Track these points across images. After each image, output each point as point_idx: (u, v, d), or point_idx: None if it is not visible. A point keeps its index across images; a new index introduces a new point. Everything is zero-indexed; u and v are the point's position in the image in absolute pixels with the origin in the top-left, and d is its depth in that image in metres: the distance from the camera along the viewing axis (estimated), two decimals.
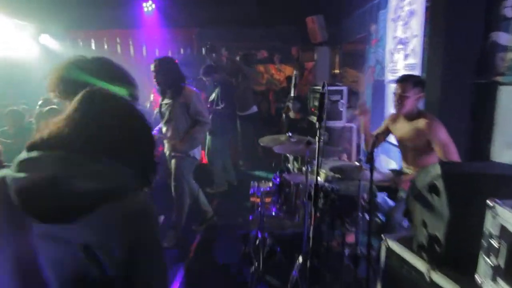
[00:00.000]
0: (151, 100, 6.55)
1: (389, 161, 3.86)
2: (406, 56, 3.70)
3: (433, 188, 1.46)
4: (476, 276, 1.14)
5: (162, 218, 3.26)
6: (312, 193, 1.67)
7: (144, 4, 5.59)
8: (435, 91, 2.74)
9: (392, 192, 2.69)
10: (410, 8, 3.57)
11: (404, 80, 2.43)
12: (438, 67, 2.81)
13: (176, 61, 3.21)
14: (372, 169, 1.82)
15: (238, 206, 4.04)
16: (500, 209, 1.04)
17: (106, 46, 7.67)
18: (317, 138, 1.72)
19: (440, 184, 1.42)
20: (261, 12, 6.39)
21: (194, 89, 3.17)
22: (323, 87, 1.71)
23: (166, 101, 3.10)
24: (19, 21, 6.37)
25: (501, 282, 1.04)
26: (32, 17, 6.49)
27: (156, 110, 5.71)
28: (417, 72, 3.32)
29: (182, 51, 7.47)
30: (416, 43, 3.46)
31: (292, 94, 2.92)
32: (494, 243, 1.05)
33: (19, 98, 5.97)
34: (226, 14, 6.45)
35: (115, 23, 6.70)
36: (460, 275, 1.32)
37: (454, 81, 2.68)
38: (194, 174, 3.28)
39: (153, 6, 5.62)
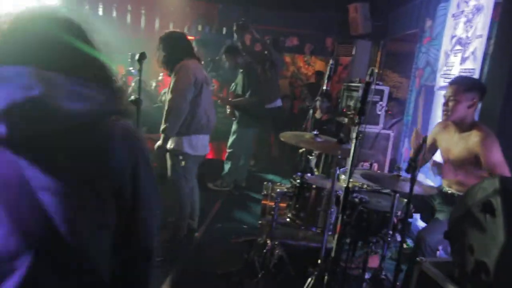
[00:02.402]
0: (158, 79, 6.61)
1: (425, 179, 3.81)
2: (463, 60, 3.64)
3: (487, 207, 1.43)
4: None
5: None
6: (341, 197, 1.65)
7: None
8: (497, 101, 2.69)
9: (427, 213, 2.65)
10: (477, 3, 3.51)
11: (457, 82, 2.40)
12: (503, 74, 2.75)
13: (193, 38, 3.13)
14: (413, 179, 1.79)
15: (244, 210, 4.04)
16: None
17: (114, 14, 7.80)
18: (354, 134, 1.71)
19: (497, 202, 1.38)
20: None
21: (195, 65, 2.90)
22: (370, 75, 1.69)
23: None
24: None
25: None
26: None
27: (162, 92, 5.79)
28: (475, 77, 3.26)
29: (200, 28, 7.53)
30: (478, 45, 3.40)
31: (324, 87, 2.88)
32: None
33: None
34: None
35: None
36: None
37: None
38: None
39: None
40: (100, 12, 7.74)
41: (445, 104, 2.36)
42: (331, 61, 2.85)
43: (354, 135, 1.69)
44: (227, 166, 4.66)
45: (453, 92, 2.32)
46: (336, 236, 1.77)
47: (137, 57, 2.42)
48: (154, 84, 6.54)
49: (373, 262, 2.60)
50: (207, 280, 2.75)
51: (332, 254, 1.78)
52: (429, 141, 2.70)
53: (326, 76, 2.87)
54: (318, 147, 2.30)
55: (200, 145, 3.02)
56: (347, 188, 1.64)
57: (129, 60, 4.04)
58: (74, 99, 0.70)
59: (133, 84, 5.26)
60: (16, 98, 0.65)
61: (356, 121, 1.74)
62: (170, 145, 2.90)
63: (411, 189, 1.79)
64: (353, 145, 1.67)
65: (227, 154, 4.70)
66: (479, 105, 2.54)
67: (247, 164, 4.85)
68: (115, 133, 0.79)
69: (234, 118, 4.69)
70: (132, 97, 2.51)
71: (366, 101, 1.72)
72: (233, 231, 3.45)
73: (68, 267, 0.69)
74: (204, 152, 3.15)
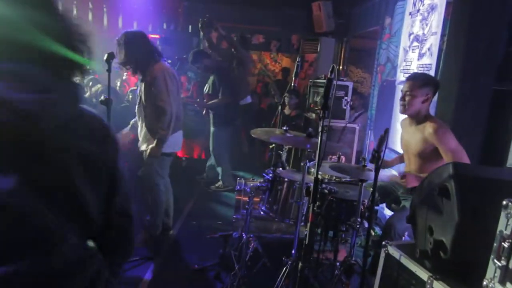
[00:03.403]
0: (123, 79, 6.48)
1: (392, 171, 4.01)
2: (421, 55, 3.86)
3: (443, 191, 1.56)
4: (484, 281, 1.24)
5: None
6: (311, 188, 1.75)
7: None
8: (451, 94, 2.88)
9: (392, 201, 2.81)
10: (431, 2, 3.73)
11: (412, 78, 2.56)
12: (455, 69, 2.95)
13: (158, 36, 3.15)
14: (377, 169, 1.91)
15: (218, 206, 4.10)
16: None
17: (75, 11, 7.57)
18: (320, 128, 1.81)
19: (451, 186, 1.52)
20: None
21: (168, 66, 2.97)
22: (331, 72, 1.79)
23: (139, 84, 3.04)
24: None
25: (510, 286, 1.15)
26: None
27: (129, 91, 5.70)
28: (431, 73, 3.47)
29: (165, 26, 7.46)
30: (433, 42, 3.61)
31: (292, 84, 2.99)
32: (506, 244, 1.15)
33: None
34: None
35: None
36: (464, 284, 1.42)
37: (472, 85, 2.83)
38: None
39: None
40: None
41: (402, 98, 2.52)
42: (298, 58, 2.96)
43: (320, 129, 1.78)
44: (219, 169, 4.71)
45: (409, 87, 2.49)
46: (308, 225, 1.86)
47: (105, 57, 2.41)
48: (118, 83, 6.42)
49: (344, 250, 2.74)
50: (185, 275, 2.80)
51: (306, 242, 1.87)
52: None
53: (294, 73, 2.99)
54: (288, 142, 2.39)
55: (176, 142, 3.10)
56: (316, 178, 1.74)
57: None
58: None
59: (99, 85, 5.16)
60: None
61: (321, 115, 1.85)
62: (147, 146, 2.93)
63: (376, 177, 1.91)
64: (319, 138, 1.77)
65: (214, 159, 4.74)
66: (435, 99, 2.74)
67: (227, 163, 4.88)
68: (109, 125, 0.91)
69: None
70: (102, 97, 2.51)
71: (329, 97, 1.82)
72: (208, 227, 3.50)
73: (74, 213, 0.81)
74: (178, 149, 3.23)
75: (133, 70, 2.89)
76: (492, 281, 1.20)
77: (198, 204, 4.28)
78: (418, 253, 1.66)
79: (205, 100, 4.67)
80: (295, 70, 2.96)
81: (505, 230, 1.17)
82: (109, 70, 2.42)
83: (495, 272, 1.19)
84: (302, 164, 2.29)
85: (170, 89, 2.83)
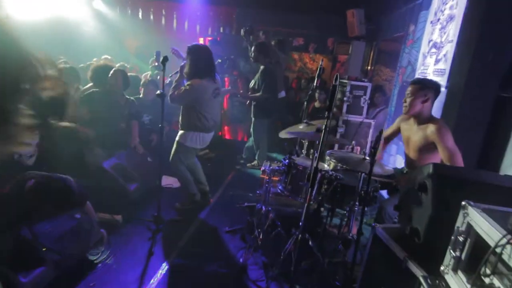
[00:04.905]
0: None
1: (402, 161, 3.86)
2: (437, 61, 3.61)
3: (423, 186, 1.53)
4: (441, 267, 1.22)
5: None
6: (311, 175, 1.78)
7: None
8: (457, 96, 2.71)
9: (392, 189, 2.74)
10: (450, 12, 3.45)
11: (414, 82, 2.46)
12: (463, 74, 2.75)
13: (211, 38, 3.20)
14: (372, 163, 1.89)
15: (251, 181, 4.22)
16: (470, 210, 1.11)
17: (152, 17, 7.90)
18: (323, 127, 1.81)
19: (429, 183, 1.48)
20: None
21: (203, 84, 3.01)
22: (335, 79, 1.78)
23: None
24: None
25: (460, 273, 1.13)
26: None
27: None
28: (445, 77, 3.25)
29: (221, 29, 7.56)
30: (449, 49, 3.36)
31: (315, 84, 2.96)
32: (461, 238, 1.13)
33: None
34: None
35: None
36: (430, 266, 1.40)
37: (477, 90, 2.63)
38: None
39: None
40: (140, 16, 7.87)
41: (405, 100, 2.43)
42: (321, 62, 2.92)
43: (323, 126, 1.79)
44: (257, 152, 4.78)
45: (411, 90, 2.39)
46: (305, 205, 1.89)
47: (161, 59, 2.55)
48: (169, 79, 6.61)
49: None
50: (218, 235, 2.96)
51: (302, 218, 1.90)
52: (394, 126, 2.77)
53: (316, 75, 2.95)
54: (301, 135, 2.41)
55: (205, 141, 3.20)
56: (316, 168, 1.76)
57: (154, 56, 4.15)
58: None
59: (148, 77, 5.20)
60: None
61: (326, 115, 1.85)
62: (179, 137, 3.12)
63: (370, 170, 1.90)
64: (322, 134, 1.78)
65: (254, 143, 4.78)
66: (442, 101, 2.59)
67: (265, 148, 4.96)
68: None
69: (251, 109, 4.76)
70: (158, 92, 2.67)
71: (334, 101, 1.81)
72: (241, 197, 3.63)
73: None
74: (203, 146, 3.29)
75: (186, 79, 3.02)
76: (447, 268, 1.19)
77: (236, 178, 4.42)
78: (398, 236, 1.65)
79: (249, 93, 4.74)
80: (317, 72, 2.91)
81: (461, 226, 1.14)
82: (163, 70, 2.56)
83: (450, 260, 1.17)
84: (311, 152, 2.31)
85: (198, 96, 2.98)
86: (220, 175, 4.35)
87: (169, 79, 3.42)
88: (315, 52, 7.57)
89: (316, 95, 5.33)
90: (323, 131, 1.80)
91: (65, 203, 2.11)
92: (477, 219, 1.06)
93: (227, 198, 3.71)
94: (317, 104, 5.53)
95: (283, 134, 2.59)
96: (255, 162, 4.84)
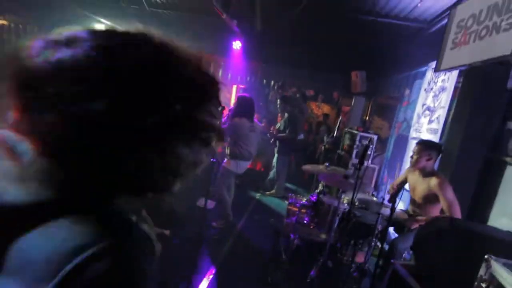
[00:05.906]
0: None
1: (399, 202, 3.90)
2: (430, 121, 3.75)
3: (441, 235, 1.60)
4: None
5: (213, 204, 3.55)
6: (343, 216, 1.86)
7: (233, 42, 6.32)
8: (452, 155, 2.80)
9: (398, 227, 2.78)
10: (442, 84, 3.64)
11: (418, 143, 2.58)
12: (458, 136, 2.86)
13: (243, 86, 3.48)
14: (393, 208, 1.97)
15: (271, 207, 4.25)
16: (493, 262, 1.18)
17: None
18: (356, 177, 1.92)
19: (448, 234, 1.56)
20: (314, 57, 6.63)
21: (240, 123, 3.29)
22: (369, 142, 1.90)
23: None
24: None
25: None
26: None
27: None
28: (437, 135, 3.38)
29: (248, 78, 7.91)
30: (441, 113, 3.51)
31: (334, 134, 3.12)
32: (483, 285, 1.19)
33: None
34: (284, 55, 6.71)
35: (214, 50, 7.20)
36: None
37: (469, 151, 2.72)
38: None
39: (240, 44, 6.33)
40: None
41: (412, 156, 2.54)
42: (340, 118, 3.08)
43: (354, 177, 1.89)
44: (276, 183, 4.86)
45: (417, 149, 2.50)
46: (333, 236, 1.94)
47: None
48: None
49: (360, 257, 2.75)
50: (247, 256, 2.97)
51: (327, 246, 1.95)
52: (402, 177, 2.86)
53: (336, 127, 3.11)
54: (333, 182, 2.50)
55: (242, 167, 3.41)
56: (349, 212, 1.85)
57: None
58: None
59: None
60: None
61: (357, 167, 1.96)
62: (225, 164, 3.29)
63: (391, 214, 1.98)
64: (356, 183, 1.88)
65: (276, 174, 4.87)
66: (439, 158, 2.69)
67: (284, 179, 5.01)
68: None
69: (275, 147, 4.90)
70: None
71: (365, 156, 1.93)
72: (263, 221, 3.65)
73: None
74: (241, 172, 3.47)
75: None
76: None
77: (257, 205, 4.46)
78: (416, 273, 1.70)
79: (274, 133, 4.89)
80: (338, 124, 3.06)
81: (484, 275, 1.21)
82: None
83: None
84: (338, 195, 2.39)
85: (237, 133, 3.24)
86: (245, 202, 4.40)
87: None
88: (322, 101, 7.86)
89: (325, 139, 5.48)
90: (350, 178, 1.91)
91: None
92: (500, 271, 1.13)
93: (253, 222, 3.71)
94: (327, 146, 5.66)
95: (306, 168, 2.68)
96: (273, 191, 4.91)
